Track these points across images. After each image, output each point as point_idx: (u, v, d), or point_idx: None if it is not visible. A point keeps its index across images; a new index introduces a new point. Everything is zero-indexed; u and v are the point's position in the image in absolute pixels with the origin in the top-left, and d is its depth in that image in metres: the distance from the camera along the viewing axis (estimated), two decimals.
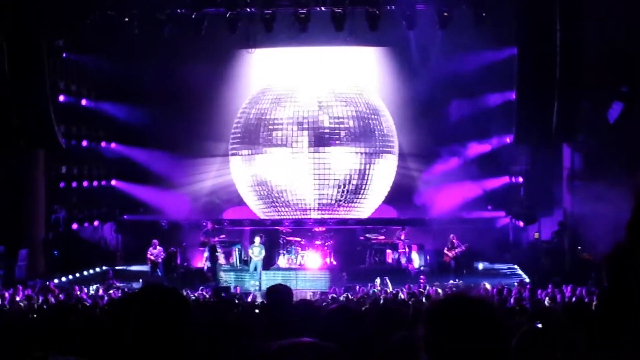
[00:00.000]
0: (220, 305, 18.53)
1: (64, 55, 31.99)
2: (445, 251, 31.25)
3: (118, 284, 28.50)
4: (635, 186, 3.25)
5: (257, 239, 30.62)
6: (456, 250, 30.99)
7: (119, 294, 24.13)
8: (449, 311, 3.50)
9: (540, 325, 6.20)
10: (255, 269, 30.16)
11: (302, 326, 6.42)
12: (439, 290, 24.33)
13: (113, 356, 3.71)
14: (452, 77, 31.83)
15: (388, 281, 27.35)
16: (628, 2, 27.13)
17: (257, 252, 30.33)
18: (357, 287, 27.00)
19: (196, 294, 24.25)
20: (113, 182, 35.08)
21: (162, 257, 30.72)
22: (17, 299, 22.43)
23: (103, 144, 34.37)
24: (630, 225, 3.23)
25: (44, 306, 19.95)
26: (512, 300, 20.28)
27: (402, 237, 31.84)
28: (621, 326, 3.33)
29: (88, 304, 19.83)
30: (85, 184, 33.32)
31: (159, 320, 3.57)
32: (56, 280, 28.73)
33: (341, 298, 22.64)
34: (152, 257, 30.55)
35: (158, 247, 30.72)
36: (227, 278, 30.26)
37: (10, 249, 28.89)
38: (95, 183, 34.04)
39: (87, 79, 33.90)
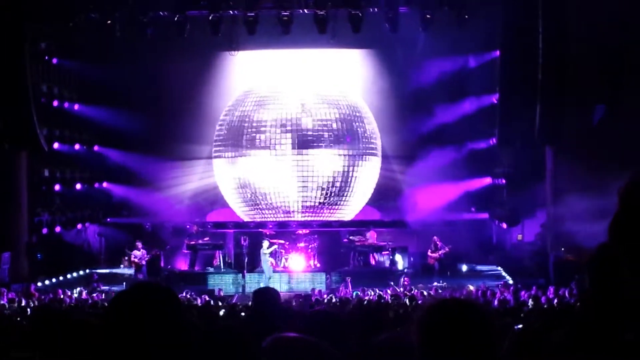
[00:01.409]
0: (207, 308, 18.57)
1: (47, 58, 31.89)
2: (429, 253, 31.25)
3: (102, 287, 28.46)
4: (619, 188, 3.27)
5: (266, 243, 30.47)
6: (439, 252, 31.01)
7: (102, 297, 24.09)
8: (442, 316, 3.51)
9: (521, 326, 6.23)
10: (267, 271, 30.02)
11: (285, 329, 6.43)
12: (424, 292, 24.41)
13: (101, 356, 3.69)
14: (435, 79, 31.92)
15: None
16: (611, 4, 27.23)
17: (267, 257, 30.25)
18: (342, 289, 27.04)
19: (181, 297, 24.23)
20: (96, 185, 35.01)
21: (146, 259, 30.65)
22: (1, 302, 22.36)
23: (86, 146, 34.28)
24: (611, 227, 3.25)
25: (28, 309, 19.91)
26: (495, 302, 20.37)
27: (373, 236, 31.94)
28: (602, 327, 3.35)
29: (71, 307, 19.81)
30: (68, 187, 33.22)
31: (150, 317, 3.57)
32: (39, 284, 28.63)
33: (325, 300, 22.66)
34: (135, 260, 30.48)
35: (142, 250, 30.66)
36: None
37: None
38: (78, 186, 33.94)
39: (70, 82, 33.84)
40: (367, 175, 34.50)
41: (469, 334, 3.45)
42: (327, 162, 33.87)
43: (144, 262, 30.55)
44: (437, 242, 31.08)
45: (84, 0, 30.50)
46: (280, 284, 28.97)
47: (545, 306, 19.42)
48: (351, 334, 6.22)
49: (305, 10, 30.47)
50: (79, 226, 33.92)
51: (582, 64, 28.18)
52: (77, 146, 33.64)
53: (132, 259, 30.51)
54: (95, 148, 34.60)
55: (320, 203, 34.04)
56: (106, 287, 28.70)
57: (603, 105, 27.14)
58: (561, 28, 28.00)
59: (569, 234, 26.24)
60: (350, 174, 34.03)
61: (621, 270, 3.17)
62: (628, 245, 3.12)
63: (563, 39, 28.11)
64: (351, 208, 34.74)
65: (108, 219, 35.06)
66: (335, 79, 35.06)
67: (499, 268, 31.69)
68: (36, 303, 22.31)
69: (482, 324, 3.50)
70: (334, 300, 22.57)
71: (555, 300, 20.86)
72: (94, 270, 31.47)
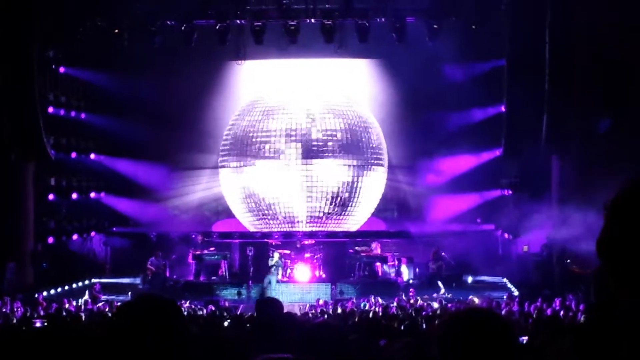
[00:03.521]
0: (212, 319, 18.53)
1: (54, 66, 31.94)
2: (430, 265, 31.28)
3: (103, 297, 28.41)
4: (605, 202, 3.19)
5: (276, 255, 30.49)
6: (439, 263, 30.87)
7: (107, 307, 24.05)
8: (465, 328, 3.46)
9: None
10: (270, 283, 29.94)
11: (288, 340, 6.40)
12: (431, 303, 24.36)
13: None
14: (442, 90, 31.90)
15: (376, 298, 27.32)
16: (617, 15, 27.21)
17: (274, 268, 30.18)
18: (348, 300, 26.95)
19: (185, 307, 24.20)
20: (102, 195, 35.02)
21: (162, 269, 30.86)
22: (6, 311, 22.36)
23: (92, 156, 34.32)
24: (599, 243, 3.16)
25: (33, 319, 19.90)
26: (502, 314, 20.31)
27: (378, 247, 31.91)
28: (603, 341, 3.32)
29: (76, 317, 19.79)
30: (74, 196, 33.21)
31: (152, 329, 3.55)
32: (45, 293, 28.60)
33: (331, 311, 22.61)
34: (152, 268, 30.65)
35: (159, 260, 30.89)
36: None
37: None
38: (84, 195, 33.97)
39: (77, 91, 33.86)
40: (373, 186, 34.42)
41: (492, 345, 3.41)
42: (333, 172, 33.81)
43: (159, 272, 30.87)
44: (439, 253, 31.11)
45: (92, 9, 30.59)
46: (285, 295, 28.90)
47: (550, 318, 19.36)
48: (354, 345, 6.20)
49: (313, 20, 30.50)
50: (85, 235, 33.95)
51: (588, 74, 28.15)
52: (83, 155, 33.69)
53: (149, 266, 30.72)
54: (102, 157, 34.62)
55: (325, 214, 33.95)
56: (111, 297, 28.62)
57: (609, 119, 27.08)
58: (568, 38, 28.00)
59: (575, 245, 26.18)
60: (356, 184, 33.95)
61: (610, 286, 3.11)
62: (615, 264, 3.02)
63: (570, 49, 28.10)
64: (357, 219, 34.66)
65: (114, 229, 35.05)
66: (342, 88, 35.03)
67: (505, 279, 31.61)
68: (42, 312, 22.29)
69: (505, 334, 3.45)
70: (339, 311, 22.51)
71: (562, 312, 20.81)
72: (96, 280, 31.43)
